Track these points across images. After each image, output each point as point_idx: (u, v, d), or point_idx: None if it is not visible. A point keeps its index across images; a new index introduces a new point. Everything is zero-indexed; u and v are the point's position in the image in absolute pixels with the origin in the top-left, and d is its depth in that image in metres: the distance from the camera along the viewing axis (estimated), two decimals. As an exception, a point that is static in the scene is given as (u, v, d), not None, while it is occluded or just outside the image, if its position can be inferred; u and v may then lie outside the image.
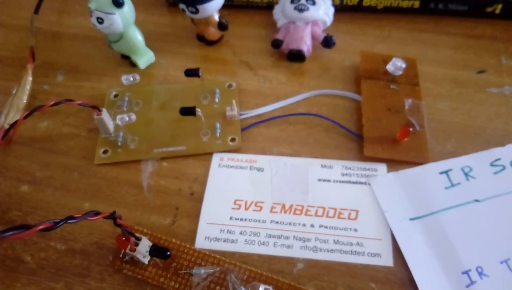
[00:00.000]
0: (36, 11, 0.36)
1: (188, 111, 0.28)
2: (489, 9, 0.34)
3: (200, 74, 0.29)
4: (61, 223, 0.18)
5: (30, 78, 0.33)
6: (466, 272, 0.24)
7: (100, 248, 0.26)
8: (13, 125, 0.28)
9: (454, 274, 0.24)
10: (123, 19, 0.30)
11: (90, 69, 0.35)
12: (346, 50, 0.34)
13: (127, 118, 0.28)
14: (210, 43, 0.35)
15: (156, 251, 0.23)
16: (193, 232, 0.26)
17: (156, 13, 0.38)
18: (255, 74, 0.34)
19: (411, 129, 0.28)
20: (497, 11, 0.34)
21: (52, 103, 0.26)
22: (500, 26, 0.35)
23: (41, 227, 0.18)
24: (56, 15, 0.39)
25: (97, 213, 0.20)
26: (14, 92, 0.32)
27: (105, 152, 0.29)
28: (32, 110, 0.26)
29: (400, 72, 0.31)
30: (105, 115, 0.29)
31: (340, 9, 0.35)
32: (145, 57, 0.33)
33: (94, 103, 0.32)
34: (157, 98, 0.32)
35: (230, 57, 0.35)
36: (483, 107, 0.31)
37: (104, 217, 0.21)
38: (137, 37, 0.32)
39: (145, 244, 0.24)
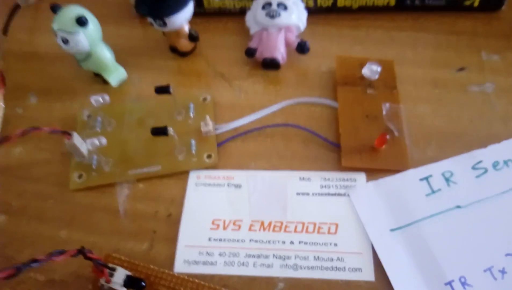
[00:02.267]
0: (4, 32, 0.35)
1: (159, 132, 0.27)
2: (467, 2, 0.33)
3: (171, 90, 0.29)
4: (23, 269, 0.18)
5: (1, 104, 0.32)
6: (449, 283, 0.24)
7: (79, 278, 0.26)
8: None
9: (436, 285, 0.24)
10: (89, 38, 0.29)
11: (62, 89, 0.34)
12: (323, 54, 0.33)
13: (97, 142, 0.28)
14: (183, 54, 0.34)
15: (131, 282, 0.23)
16: (172, 256, 0.26)
17: (128, 26, 0.37)
18: (230, 85, 0.33)
19: (388, 137, 0.27)
20: (476, 4, 0.33)
21: (18, 133, 0.25)
22: (480, 19, 0.34)
23: (2, 275, 0.17)
24: (27, 33, 0.38)
25: (62, 252, 0.20)
26: (-15, 119, 0.31)
27: (79, 176, 0.29)
28: (-3, 143, 0.25)
29: (377, 76, 0.30)
30: (76, 139, 0.28)
31: (314, 11, 0.34)
32: (116, 74, 0.33)
33: (68, 124, 0.32)
34: (130, 116, 0.31)
35: (205, 68, 0.34)
36: (464, 108, 0.30)
37: (72, 255, 0.20)
38: (106, 54, 0.31)
39: (121, 274, 0.23)
